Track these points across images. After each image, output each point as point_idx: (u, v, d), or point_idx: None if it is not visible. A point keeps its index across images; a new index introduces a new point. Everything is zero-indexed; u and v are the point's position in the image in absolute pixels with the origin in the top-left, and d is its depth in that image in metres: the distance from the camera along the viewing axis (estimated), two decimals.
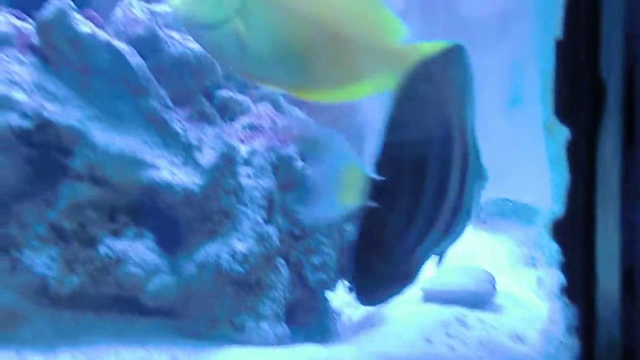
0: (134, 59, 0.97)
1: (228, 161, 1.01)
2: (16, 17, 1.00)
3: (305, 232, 1.12)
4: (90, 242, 0.92)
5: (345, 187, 0.61)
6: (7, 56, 0.92)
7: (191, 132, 1.01)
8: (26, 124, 0.87)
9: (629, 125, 0.69)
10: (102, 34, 0.95)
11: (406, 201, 0.63)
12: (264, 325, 0.99)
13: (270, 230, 1.03)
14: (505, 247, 1.79)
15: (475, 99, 0.71)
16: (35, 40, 0.95)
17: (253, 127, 1.15)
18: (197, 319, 0.98)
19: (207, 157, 0.99)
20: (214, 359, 0.90)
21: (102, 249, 0.92)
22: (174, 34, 1.08)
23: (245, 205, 1.03)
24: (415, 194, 0.63)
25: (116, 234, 0.94)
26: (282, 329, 1.02)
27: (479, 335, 1.06)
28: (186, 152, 0.98)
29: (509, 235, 1.82)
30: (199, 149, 1.00)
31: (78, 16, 0.95)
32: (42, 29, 0.94)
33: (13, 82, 0.90)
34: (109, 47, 0.95)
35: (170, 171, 0.95)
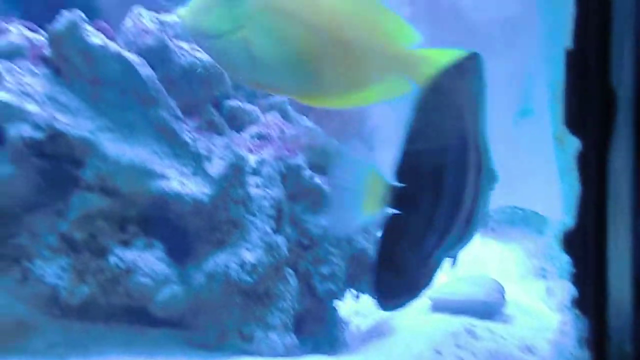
0: (144, 70, 0.98)
1: (237, 171, 1.01)
2: (28, 29, 1.01)
3: (313, 242, 1.12)
4: (101, 252, 0.92)
5: (368, 195, 0.62)
6: (19, 68, 0.93)
7: (200, 142, 1.02)
8: (38, 135, 0.88)
9: None
10: (113, 46, 0.96)
11: (426, 207, 0.65)
12: (273, 335, 0.99)
13: (279, 240, 1.04)
14: (514, 257, 1.78)
15: (487, 106, 0.72)
16: (47, 52, 0.96)
17: (262, 137, 1.15)
18: (206, 329, 0.98)
19: (216, 167, 1.00)
20: None
21: (112, 259, 0.92)
22: (183, 45, 1.09)
23: (254, 215, 1.03)
24: (435, 200, 0.65)
25: (126, 244, 0.94)
26: (291, 339, 1.02)
27: (489, 346, 1.06)
28: (195, 162, 0.99)
29: (518, 244, 1.81)
30: (208, 159, 1.00)
31: (89, 28, 0.96)
32: (54, 40, 0.95)
33: (25, 94, 0.91)
34: (120, 58, 0.96)
35: (179, 181, 0.96)
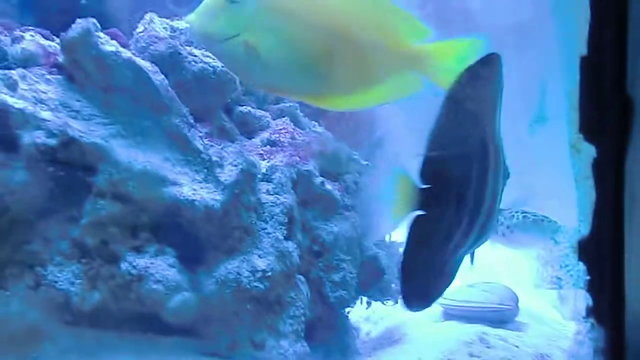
0: (157, 77, 0.98)
1: (248, 177, 1.01)
2: (43, 36, 1.02)
3: (325, 249, 1.12)
4: (113, 259, 0.93)
5: (398, 199, 0.64)
6: (34, 75, 0.94)
7: (212, 149, 1.02)
8: (51, 141, 0.89)
9: None
10: (125, 53, 0.97)
11: (450, 207, 0.66)
12: (284, 343, 0.98)
13: (290, 246, 1.03)
14: (526, 264, 1.76)
15: (501, 105, 0.74)
16: (61, 59, 0.97)
17: (272, 143, 1.15)
18: (217, 337, 0.98)
19: (228, 173, 1.00)
20: None
21: (124, 266, 0.92)
22: (195, 51, 1.10)
23: (266, 221, 1.03)
24: (459, 199, 0.66)
25: (138, 250, 0.94)
26: (302, 346, 1.01)
27: (502, 355, 1.04)
28: (207, 168, 0.99)
29: (530, 251, 1.79)
30: (220, 165, 1.00)
31: (102, 35, 0.96)
32: (68, 48, 0.95)
33: (39, 101, 0.91)
34: (132, 65, 0.96)
35: (191, 188, 0.96)
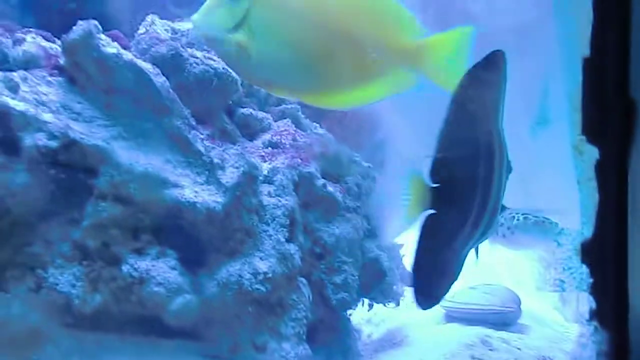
0: (158, 78, 0.98)
1: (250, 180, 1.01)
2: (44, 38, 1.02)
3: (326, 251, 1.11)
4: (114, 261, 0.92)
5: (412, 199, 0.64)
6: (35, 77, 0.94)
7: (214, 151, 1.02)
8: (53, 143, 0.89)
9: None
10: (127, 55, 0.97)
11: (460, 204, 0.68)
12: (286, 345, 0.98)
13: (292, 249, 1.03)
14: (527, 265, 1.76)
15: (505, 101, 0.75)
16: (62, 61, 0.97)
17: (274, 145, 1.15)
18: (219, 340, 0.97)
19: (230, 175, 1.00)
20: None
21: (125, 268, 0.92)
22: (197, 53, 1.10)
23: (267, 223, 1.02)
24: (468, 196, 0.68)
25: (139, 252, 0.94)
26: (304, 349, 1.01)
27: (505, 358, 1.04)
28: (209, 170, 0.99)
29: (531, 253, 1.79)
30: (222, 167, 1.00)
31: (104, 37, 0.96)
32: (69, 49, 0.95)
33: (41, 103, 0.91)
34: (134, 67, 0.96)
35: (193, 190, 0.96)
